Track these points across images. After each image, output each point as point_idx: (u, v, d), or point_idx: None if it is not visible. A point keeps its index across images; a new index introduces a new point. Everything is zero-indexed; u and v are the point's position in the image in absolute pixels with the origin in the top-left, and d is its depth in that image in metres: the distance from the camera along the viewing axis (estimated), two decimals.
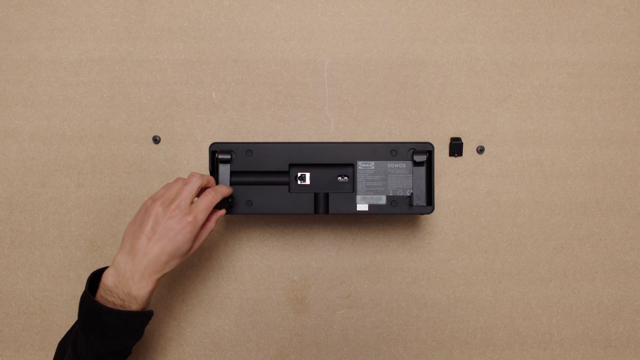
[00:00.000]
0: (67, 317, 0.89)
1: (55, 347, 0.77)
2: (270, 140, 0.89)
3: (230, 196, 0.80)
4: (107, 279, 0.70)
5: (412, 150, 0.81)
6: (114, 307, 0.69)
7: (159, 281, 0.72)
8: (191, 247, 0.73)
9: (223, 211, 0.78)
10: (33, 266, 0.90)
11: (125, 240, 0.72)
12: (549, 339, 0.90)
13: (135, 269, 0.70)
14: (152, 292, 0.71)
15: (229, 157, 0.80)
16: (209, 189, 0.75)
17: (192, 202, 0.73)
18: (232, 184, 0.81)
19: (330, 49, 0.90)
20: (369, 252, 0.90)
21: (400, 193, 0.81)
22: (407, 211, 0.81)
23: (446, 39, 0.90)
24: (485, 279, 0.90)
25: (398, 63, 0.90)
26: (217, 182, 0.81)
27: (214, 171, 0.81)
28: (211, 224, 0.76)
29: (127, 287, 0.69)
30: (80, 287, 0.89)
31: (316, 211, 0.81)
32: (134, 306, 0.70)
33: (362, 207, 0.81)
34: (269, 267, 0.90)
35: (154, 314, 0.86)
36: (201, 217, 0.72)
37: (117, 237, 0.89)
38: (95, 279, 0.73)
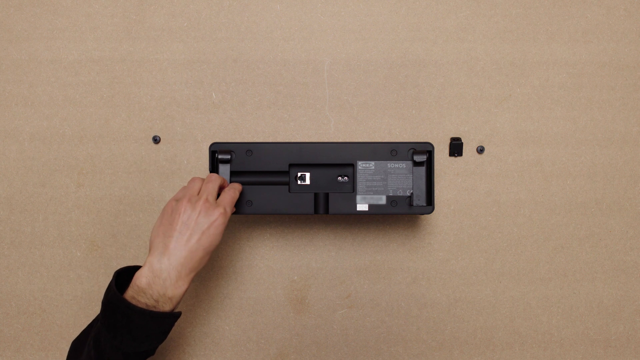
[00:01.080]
0: (67, 317, 0.89)
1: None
2: (270, 140, 0.89)
3: None
4: (141, 280, 0.69)
5: (412, 150, 0.81)
6: (146, 308, 0.69)
7: (192, 280, 0.72)
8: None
9: (234, 208, 0.79)
10: (33, 266, 0.90)
11: (156, 242, 0.71)
12: (549, 339, 0.90)
13: (172, 269, 0.69)
14: (185, 292, 0.71)
15: (229, 157, 0.80)
16: (227, 187, 0.77)
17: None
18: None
19: (330, 49, 0.90)
20: (369, 252, 0.90)
21: (400, 193, 0.81)
22: (407, 211, 0.81)
23: (446, 39, 0.90)
24: (485, 279, 0.90)
25: (398, 63, 0.90)
26: None
27: (214, 171, 0.81)
28: None
29: (163, 288, 0.69)
30: (81, 287, 0.89)
31: (316, 211, 0.81)
32: (167, 307, 0.69)
33: (362, 207, 0.81)
34: (269, 267, 0.90)
35: None
36: (229, 210, 0.74)
37: (117, 237, 0.89)
38: (118, 278, 0.72)
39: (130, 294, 0.69)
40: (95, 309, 0.89)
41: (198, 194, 0.74)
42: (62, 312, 0.89)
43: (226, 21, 0.90)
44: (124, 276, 0.73)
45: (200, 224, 0.71)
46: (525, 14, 0.90)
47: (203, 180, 0.76)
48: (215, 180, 0.75)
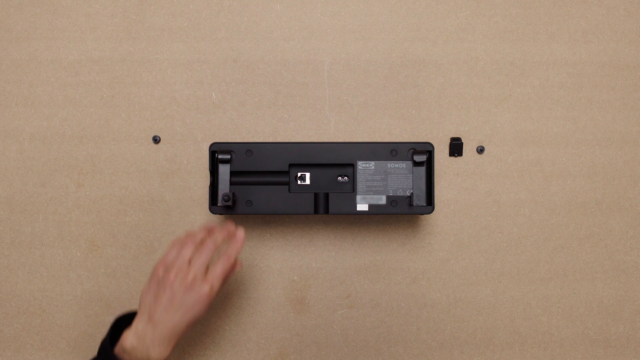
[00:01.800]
0: (67, 317, 0.89)
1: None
2: (270, 140, 0.89)
3: (232, 195, 0.80)
4: (126, 341, 0.72)
5: (412, 150, 0.81)
6: None
7: (177, 343, 0.74)
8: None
9: (227, 279, 0.78)
10: (33, 266, 0.90)
11: (143, 308, 0.74)
12: (549, 339, 0.90)
13: (155, 337, 0.72)
14: (169, 356, 0.73)
15: (229, 157, 0.80)
16: (222, 259, 0.75)
17: (206, 270, 0.74)
18: (232, 184, 0.81)
19: (330, 49, 0.90)
20: (369, 252, 0.90)
21: (400, 193, 0.81)
22: (407, 211, 0.81)
23: (446, 39, 0.90)
24: (485, 279, 0.90)
25: (398, 63, 0.90)
26: (217, 182, 0.81)
27: (214, 171, 0.81)
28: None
29: (147, 352, 0.72)
30: (81, 287, 0.89)
31: (316, 211, 0.81)
32: None
33: (362, 207, 0.81)
34: (269, 267, 0.90)
35: None
36: (217, 284, 0.74)
37: (117, 237, 0.89)
38: (119, 323, 0.76)
39: (119, 347, 0.73)
40: (95, 309, 0.89)
41: (190, 261, 0.74)
42: (62, 312, 0.89)
43: (226, 21, 0.90)
44: (125, 319, 0.77)
45: (186, 301, 0.72)
46: (525, 14, 0.90)
47: (196, 241, 0.75)
48: (208, 252, 0.74)
